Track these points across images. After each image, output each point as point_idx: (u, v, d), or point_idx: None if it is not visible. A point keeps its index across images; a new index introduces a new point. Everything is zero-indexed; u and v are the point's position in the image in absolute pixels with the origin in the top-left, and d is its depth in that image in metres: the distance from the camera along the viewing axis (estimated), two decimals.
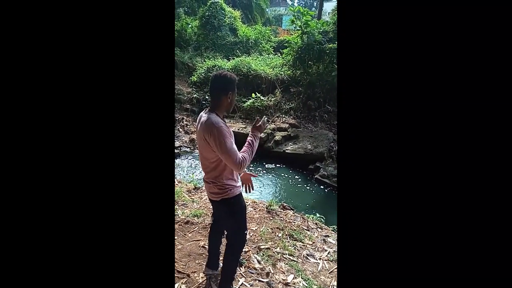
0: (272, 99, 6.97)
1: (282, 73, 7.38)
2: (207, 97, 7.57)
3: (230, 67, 7.73)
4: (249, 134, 1.39)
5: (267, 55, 9.00)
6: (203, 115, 1.34)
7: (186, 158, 5.55)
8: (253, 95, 6.91)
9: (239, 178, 1.45)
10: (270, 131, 5.87)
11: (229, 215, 1.47)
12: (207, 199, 3.16)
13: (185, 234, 2.28)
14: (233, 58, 8.32)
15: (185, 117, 7.22)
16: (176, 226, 2.37)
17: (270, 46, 9.91)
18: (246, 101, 6.88)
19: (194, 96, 7.67)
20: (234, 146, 1.27)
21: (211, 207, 2.90)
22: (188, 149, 6.07)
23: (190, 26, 10.45)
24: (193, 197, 3.06)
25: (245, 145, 1.35)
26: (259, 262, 2.02)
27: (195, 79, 7.96)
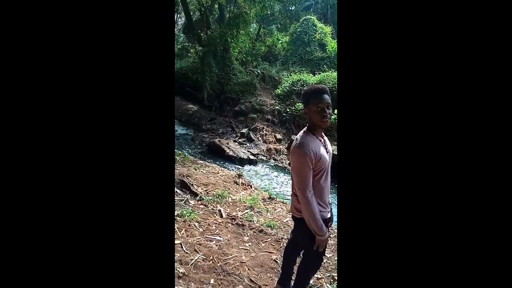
0: None
1: None
2: (288, 110, 7.68)
3: (315, 81, 7.64)
4: (320, 229, 1.24)
5: None
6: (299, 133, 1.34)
7: (263, 166, 5.71)
8: (336, 111, 6.61)
9: (328, 204, 1.34)
10: None
11: (309, 236, 1.39)
12: (281, 211, 3.16)
13: (258, 243, 2.29)
14: (319, 73, 8.22)
15: (265, 127, 7.50)
16: (251, 232, 2.42)
17: None
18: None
19: (276, 108, 7.90)
20: (306, 176, 1.19)
21: (285, 220, 2.88)
22: (264, 158, 6.25)
23: (280, 41, 10.94)
24: (267, 207, 3.08)
25: (319, 217, 1.24)
26: None
27: (279, 91, 8.22)
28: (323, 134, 1.32)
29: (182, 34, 12.76)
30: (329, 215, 1.35)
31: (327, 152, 1.28)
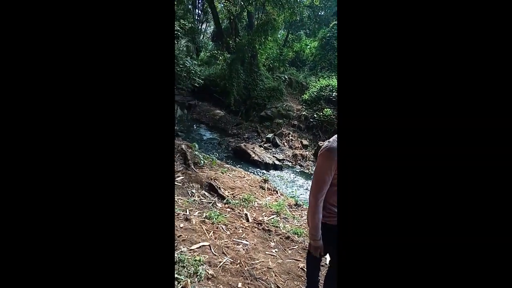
0: None
1: None
2: (315, 115, 7.56)
3: None
4: (315, 236, 1.28)
5: None
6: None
7: (288, 172, 5.65)
8: None
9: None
10: None
11: (331, 242, 1.36)
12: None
13: (285, 249, 2.26)
14: None
15: (291, 133, 7.44)
16: (277, 238, 2.39)
17: None
18: None
19: (303, 113, 7.82)
20: (323, 181, 1.21)
21: None
22: (290, 163, 6.19)
23: (308, 47, 10.86)
24: (294, 213, 3.04)
25: (318, 222, 1.26)
26: None
27: (306, 97, 8.13)
28: None
29: (211, 42, 13.21)
30: None
31: None
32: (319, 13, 12.58)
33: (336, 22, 9.99)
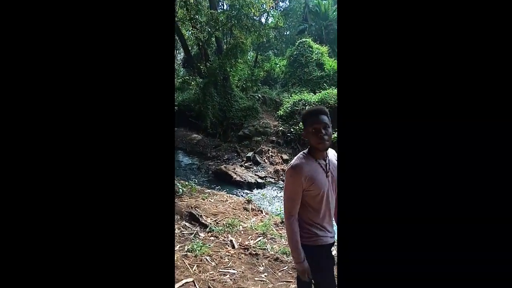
0: None
1: None
2: (292, 130, 7.71)
3: (317, 100, 7.74)
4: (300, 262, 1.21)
5: None
6: None
7: (272, 189, 5.60)
8: None
9: (330, 228, 1.26)
10: None
11: (311, 261, 1.28)
12: None
13: (274, 272, 2.16)
14: (320, 92, 8.34)
15: (270, 149, 7.47)
16: (266, 261, 2.29)
17: None
18: (333, 134, 6.62)
19: (280, 129, 7.95)
20: (293, 199, 1.18)
21: None
22: (272, 180, 6.15)
23: (278, 65, 11.29)
24: (280, 232, 2.96)
25: (296, 243, 1.21)
26: None
27: (282, 113, 8.31)
28: (326, 155, 1.25)
29: (182, 68, 13.30)
30: (332, 240, 1.26)
31: (327, 176, 1.20)
32: (285, 33, 13.26)
33: (301, 40, 10.54)
